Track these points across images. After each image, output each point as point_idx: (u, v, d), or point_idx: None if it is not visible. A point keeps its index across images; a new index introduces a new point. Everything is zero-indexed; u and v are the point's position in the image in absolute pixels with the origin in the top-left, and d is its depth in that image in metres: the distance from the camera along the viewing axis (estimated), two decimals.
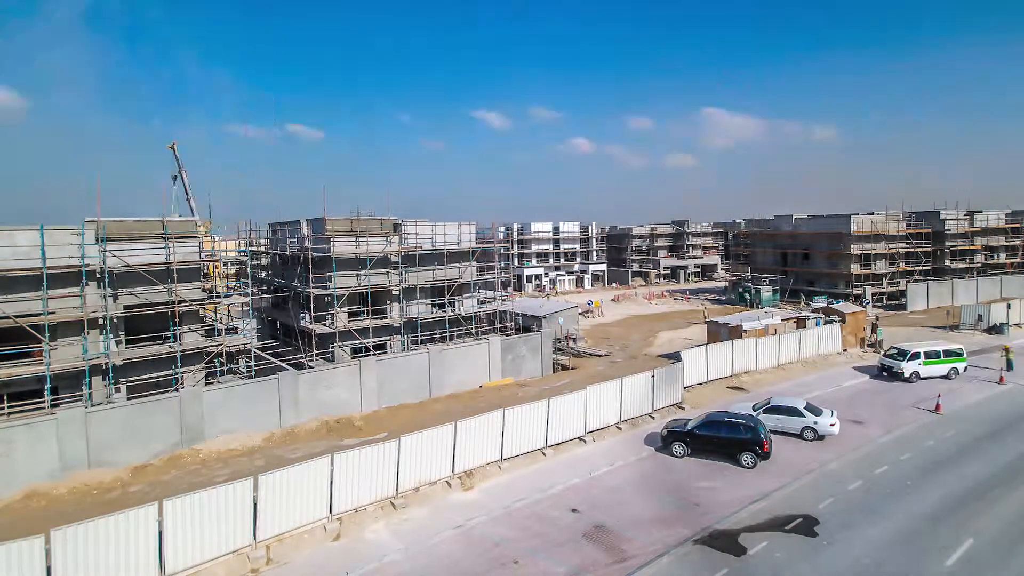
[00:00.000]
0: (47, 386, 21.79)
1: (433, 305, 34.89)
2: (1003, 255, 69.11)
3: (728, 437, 21.08)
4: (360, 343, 30.97)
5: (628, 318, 57.49)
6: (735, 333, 35.66)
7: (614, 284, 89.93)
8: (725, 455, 21.12)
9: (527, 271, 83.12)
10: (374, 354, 29.36)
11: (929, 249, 62.19)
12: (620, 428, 24.94)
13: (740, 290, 63.36)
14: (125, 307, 24.41)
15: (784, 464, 20.92)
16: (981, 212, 67.34)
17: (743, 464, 20.64)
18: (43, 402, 21.69)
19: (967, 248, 65.40)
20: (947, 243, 64.14)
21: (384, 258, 32.63)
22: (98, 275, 23.47)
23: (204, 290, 27.31)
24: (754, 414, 23.23)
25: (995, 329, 43.31)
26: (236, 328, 31.12)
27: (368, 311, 32.21)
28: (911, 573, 14.22)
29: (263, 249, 40.66)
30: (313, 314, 30.60)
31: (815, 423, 23.03)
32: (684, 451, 21.67)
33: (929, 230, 62.72)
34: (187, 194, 54.06)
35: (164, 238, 25.11)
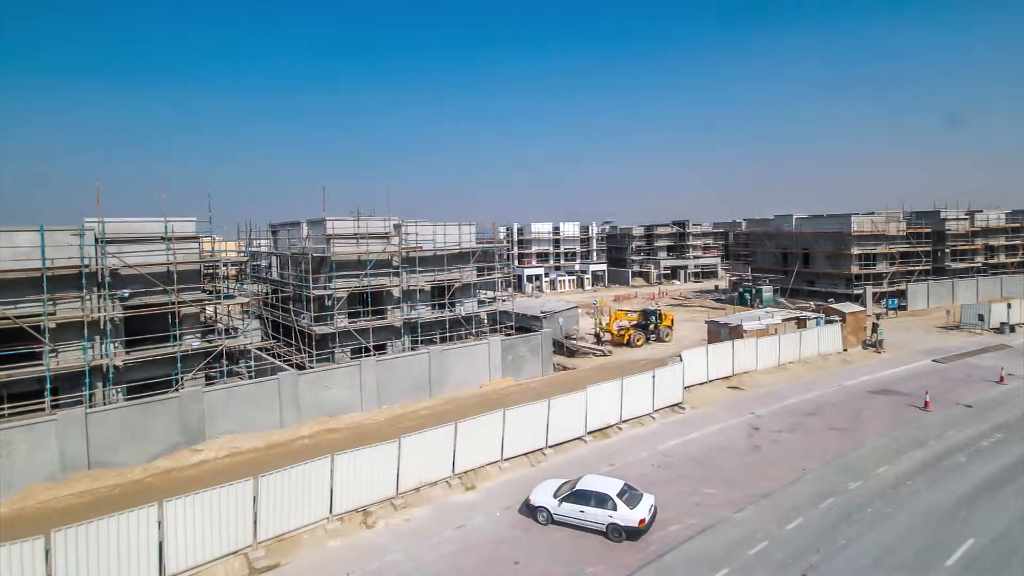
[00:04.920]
0: (47, 387, 21.77)
1: (433, 306, 34.88)
2: (1003, 255, 69.08)
3: None
4: (360, 344, 30.94)
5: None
6: (735, 333, 35.65)
7: (614, 284, 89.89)
8: None
9: (527, 271, 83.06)
10: (374, 354, 29.34)
11: (929, 249, 62.15)
12: (621, 428, 24.92)
13: (740, 290, 63.40)
14: (125, 308, 24.38)
15: None
16: (981, 212, 67.30)
17: None
18: (43, 403, 21.67)
19: (967, 248, 65.36)
20: (947, 243, 64.11)
21: (384, 259, 32.61)
22: (99, 277, 23.46)
23: (204, 291, 27.30)
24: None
25: (998, 330, 43.33)
26: (236, 329, 31.12)
27: (368, 312, 32.19)
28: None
29: (263, 250, 40.67)
30: (313, 315, 30.59)
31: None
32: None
33: (929, 230, 62.69)
34: None
35: (164, 239, 25.09)
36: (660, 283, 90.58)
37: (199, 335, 26.97)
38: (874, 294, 55.50)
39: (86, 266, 22.77)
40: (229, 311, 32.76)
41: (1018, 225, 69.29)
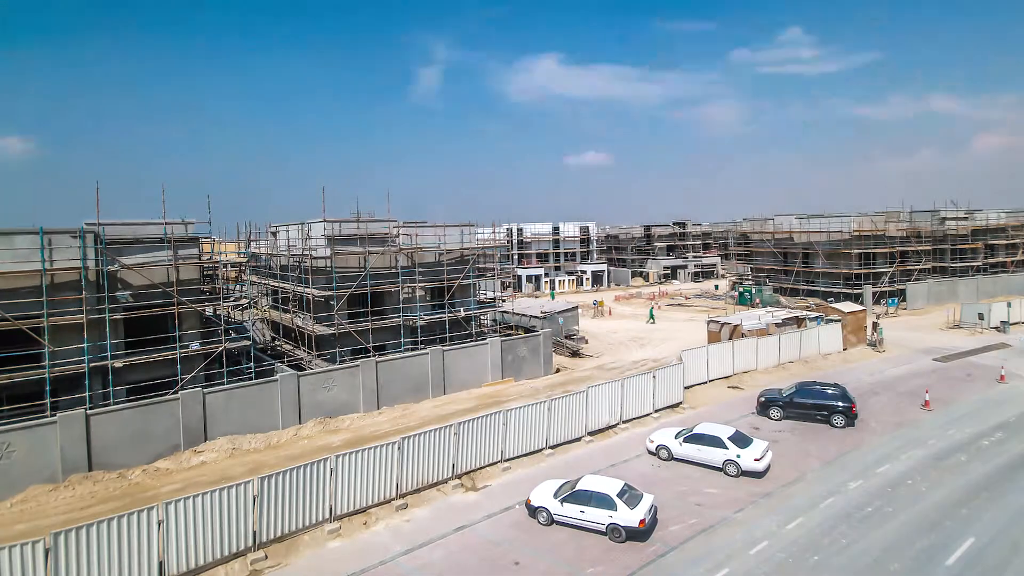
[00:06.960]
0: (47, 389, 21.77)
1: (434, 306, 34.87)
2: (1004, 254, 69.07)
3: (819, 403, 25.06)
4: (361, 345, 30.93)
5: (635, 317, 57.47)
6: (735, 333, 35.67)
7: (614, 284, 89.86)
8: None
9: (527, 272, 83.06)
10: (374, 355, 29.34)
11: (929, 248, 62.11)
12: (622, 429, 24.92)
13: (740, 290, 63.42)
14: (125, 310, 24.38)
15: None
16: (981, 211, 67.29)
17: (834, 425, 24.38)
18: (43, 405, 21.67)
19: (968, 247, 65.33)
20: (948, 242, 64.08)
21: (384, 260, 32.61)
22: (99, 279, 23.45)
23: (204, 292, 27.31)
24: (676, 442, 21.57)
25: (998, 329, 43.34)
26: (237, 330, 31.12)
27: (368, 313, 32.18)
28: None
29: (263, 251, 40.67)
30: (313, 316, 30.60)
31: (738, 456, 20.12)
32: (780, 415, 25.66)
33: (930, 229, 62.67)
34: None
35: (164, 241, 25.08)
36: (660, 283, 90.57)
37: (199, 336, 26.95)
38: (874, 294, 55.50)
39: (86, 268, 22.76)
40: (229, 312, 32.75)
41: (1018, 224, 69.27)
